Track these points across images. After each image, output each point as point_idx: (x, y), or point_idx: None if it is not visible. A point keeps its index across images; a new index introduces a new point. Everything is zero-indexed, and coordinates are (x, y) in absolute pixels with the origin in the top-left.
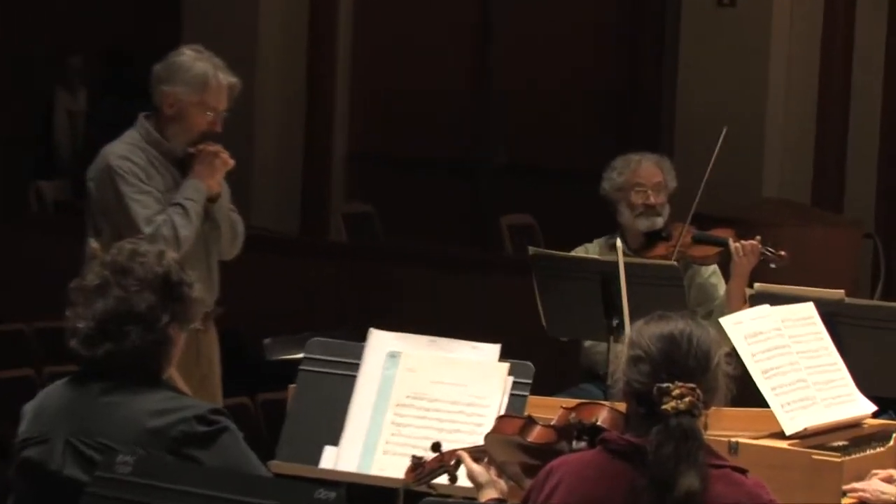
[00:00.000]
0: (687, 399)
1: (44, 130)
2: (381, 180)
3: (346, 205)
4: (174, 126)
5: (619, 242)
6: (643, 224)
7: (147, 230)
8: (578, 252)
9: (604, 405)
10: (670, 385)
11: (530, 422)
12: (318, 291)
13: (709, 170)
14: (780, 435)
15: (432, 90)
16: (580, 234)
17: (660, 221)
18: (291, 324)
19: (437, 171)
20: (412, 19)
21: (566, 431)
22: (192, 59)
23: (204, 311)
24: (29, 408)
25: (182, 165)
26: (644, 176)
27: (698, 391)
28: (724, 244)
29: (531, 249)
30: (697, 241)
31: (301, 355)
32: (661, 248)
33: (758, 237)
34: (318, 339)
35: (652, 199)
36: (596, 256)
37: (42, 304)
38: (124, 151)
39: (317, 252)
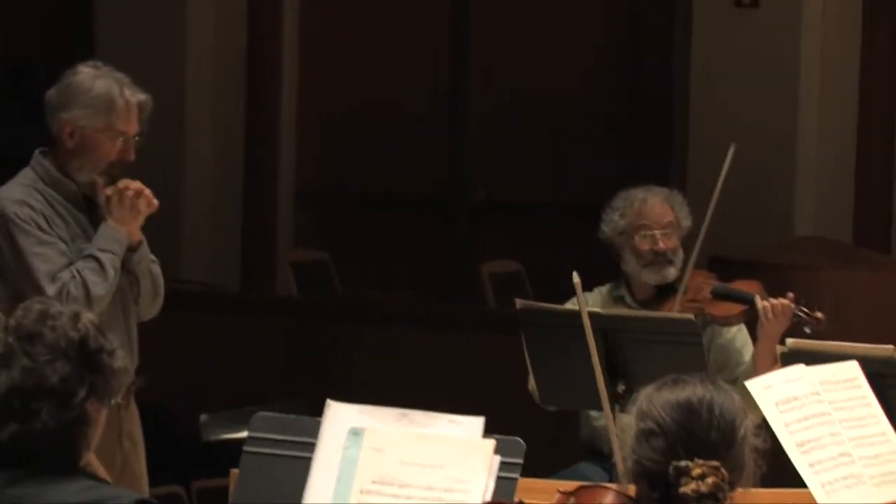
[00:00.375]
0: (709, 480)
1: None
2: (335, 222)
3: (295, 252)
4: (78, 159)
5: (575, 276)
6: (652, 277)
7: (51, 289)
8: (574, 304)
9: (608, 488)
10: (689, 464)
11: None
12: (264, 356)
13: (716, 195)
14: None
15: (396, 114)
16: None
17: (672, 272)
18: (232, 396)
19: (403, 210)
20: (371, 31)
21: None
22: (91, 77)
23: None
24: None
25: (91, 208)
26: (651, 216)
27: (722, 470)
28: (750, 301)
29: (518, 302)
30: (718, 295)
31: (245, 434)
32: (671, 303)
33: (790, 294)
34: (265, 414)
35: (661, 245)
36: (597, 310)
37: None
38: (19, 195)
39: (261, 309)
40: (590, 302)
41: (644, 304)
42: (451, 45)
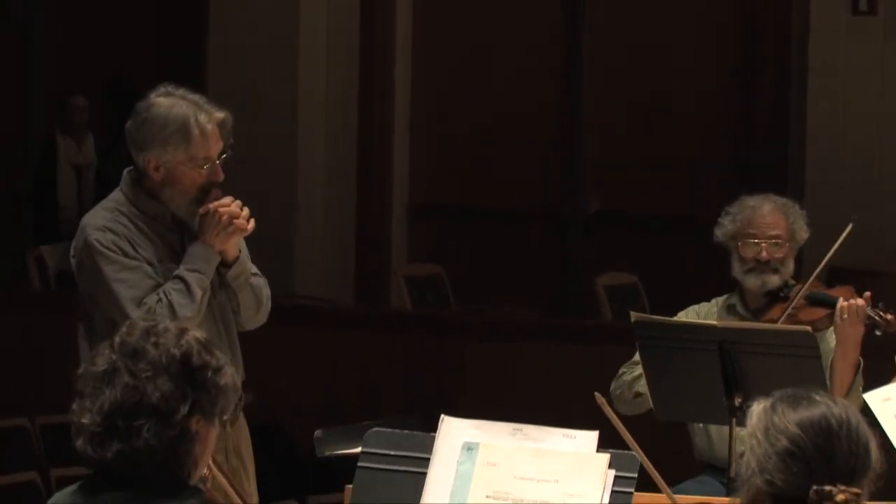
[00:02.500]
0: None
1: (46, 186)
2: (449, 236)
3: (409, 266)
4: (168, 190)
5: (598, 397)
6: (752, 282)
7: (136, 315)
8: (688, 314)
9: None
10: (833, 489)
11: None
12: (378, 371)
13: (828, 257)
14: None
15: (509, 127)
16: (691, 295)
17: (775, 280)
18: (347, 412)
19: (517, 223)
20: (483, 43)
21: None
22: (165, 108)
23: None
24: None
25: (182, 227)
26: (759, 225)
27: (862, 497)
28: (833, 304)
29: (634, 315)
30: (812, 301)
31: (359, 450)
32: (776, 310)
33: (866, 294)
34: (379, 429)
35: (765, 254)
36: (712, 322)
37: (46, 396)
38: (103, 221)
39: (375, 323)
40: (705, 312)
41: (755, 313)
42: (564, 59)
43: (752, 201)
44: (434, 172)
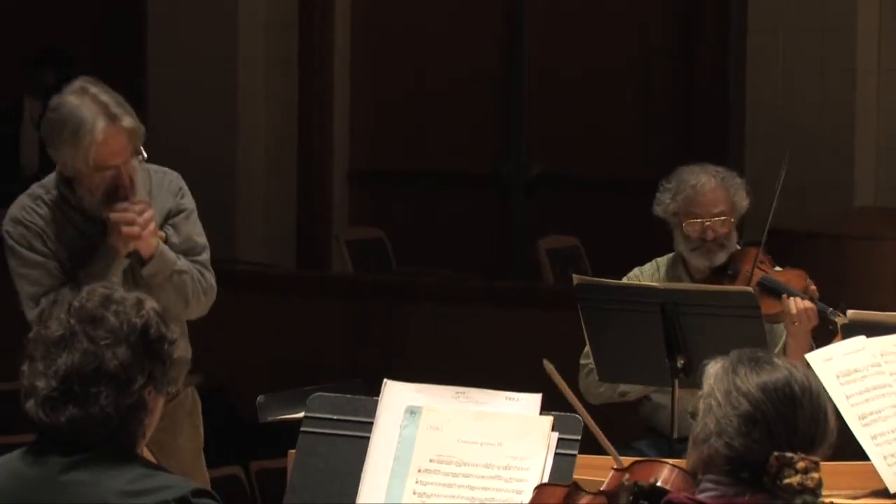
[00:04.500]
0: (814, 475)
1: (7, 144)
2: (390, 200)
3: (351, 230)
4: (79, 188)
5: (546, 364)
6: (699, 261)
7: (30, 314)
8: (630, 278)
9: (663, 463)
10: (794, 456)
11: (576, 490)
12: (319, 336)
13: (774, 203)
14: (884, 493)
15: (449, 92)
16: (634, 258)
17: (722, 256)
18: (289, 377)
19: (458, 187)
20: (423, 8)
21: (620, 497)
22: (69, 108)
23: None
24: None
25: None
26: (702, 203)
27: (820, 466)
28: (788, 294)
29: (576, 278)
30: (764, 289)
31: (302, 415)
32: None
33: (812, 288)
34: (322, 394)
35: (710, 233)
36: (654, 284)
37: None
38: (19, 211)
39: (317, 288)
40: (648, 275)
41: (699, 283)
42: (504, 22)
43: (692, 178)
44: (375, 136)
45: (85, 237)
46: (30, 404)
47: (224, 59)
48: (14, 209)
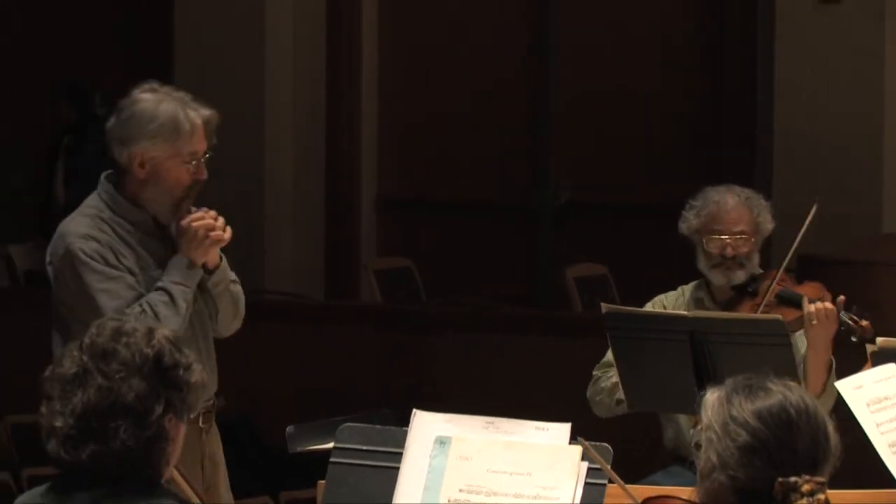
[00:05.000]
0: (820, 497)
1: (48, 183)
2: (418, 229)
3: (379, 260)
4: (151, 189)
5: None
6: (718, 278)
7: None
8: (655, 305)
9: (677, 498)
10: (798, 480)
11: None
12: (349, 366)
13: (795, 245)
14: None
15: (477, 120)
16: (662, 285)
17: (741, 275)
18: (319, 407)
19: (486, 216)
20: (450, 36)
21: None
22: (152, 103)
23: (205, 403)
24: None
25: (164, 234)
26: (724, 220)
27: (826, 486)
28: (800, 305)
29: (604, 306)
30: (781, 300)
31: (331, 445)
32: (745, 307)
33: (840, 298)
34: (351, 424)
35: (730, 250)
36: (682, 312)
37: (17, 395)
38: (85, 228)
39: (346, 317)
40: (672, 302)
41: (722, 306)
42: (532, 49)
43: (715, 195)
44: (402, 166)
45: (150, 254)
46: (51, 445)
47: (252, 88)
48: (76, 226)
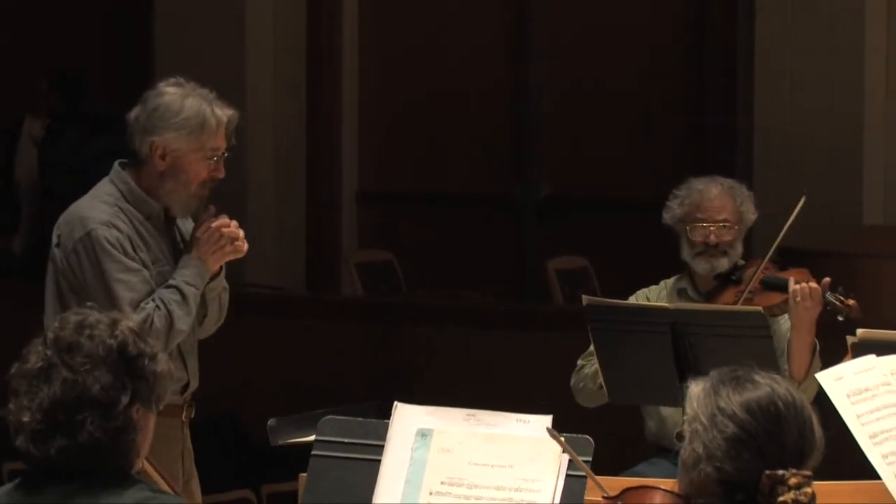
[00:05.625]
0: (807, 490)
1: (5, 165)
2: (399, 222)
3: (360, 253)
4: (170, 181)
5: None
6: (701, 266)
7: (135, 318)
8: (638, 298)
9: (656, 488)
10: (785, 473)
11: None
12: (330, 359)
13: (781, 235)
14: None
15: (458, 113)
16: (642, 278)
17: (724, 263)
18: (300, 400)
19: (467, 209)
20: (432, 29)
21: None
22: (179, 97)
23: (184, 401)
24: None
25: (170, 228)
26: (708, 209)
27: (812, 479)
28: (786, 287)
29: (585, 298)
30: (766, 285)
31: (313, 438)
32: (729, 294)
33: (825, 280)
34: (332, 417)
35: (713, 238)
36: (664, 304)
37: None
38: (107, 216)
39: (327, 311)
40: (655, 295)
41: (706, 296)
42: (514, 43)
43: (699, 184)
44: (384, 159)
45: (159, 249)
46: (20, 440)
47: (232, 83)
48: (97, 212)
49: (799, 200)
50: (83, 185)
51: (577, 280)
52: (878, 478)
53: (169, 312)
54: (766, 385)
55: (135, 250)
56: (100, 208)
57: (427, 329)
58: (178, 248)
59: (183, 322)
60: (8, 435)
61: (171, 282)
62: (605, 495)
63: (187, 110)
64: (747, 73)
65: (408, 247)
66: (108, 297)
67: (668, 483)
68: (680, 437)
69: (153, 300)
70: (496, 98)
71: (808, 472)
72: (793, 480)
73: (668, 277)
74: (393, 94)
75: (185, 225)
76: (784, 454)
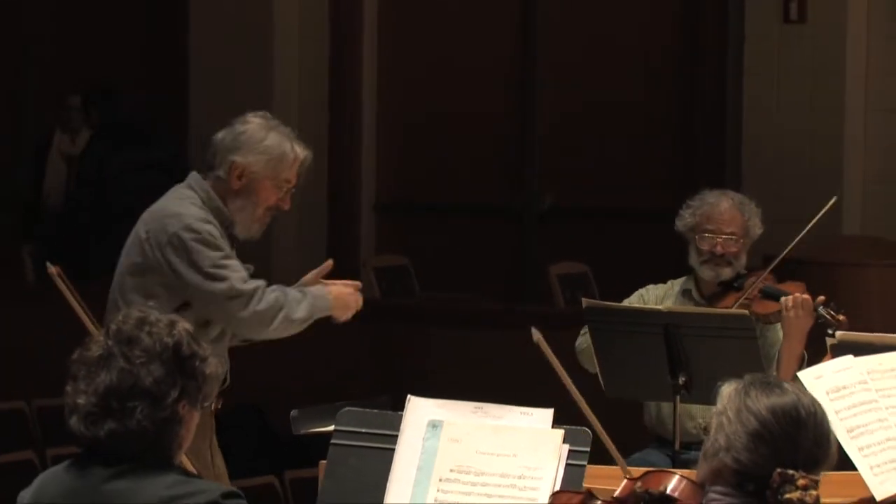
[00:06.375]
0: (813, 493)
1: (38, 177)
2: (414, 230)
3: (377, 258)
4: (241, 200)
5: (534, 332)
6: (707, 273)
7: (249, 286)
8: (647, 293)
9: (673, 473)
10: (795, 473)
11: (590, 497)
12: (349, 355)
13: (807, 228)
14: (870, 501)
15: (467, 128)
16: (639, 282)
17: (728, 272)
18: (321, 393)
19: (476, 218)
20: (444, 51)
21: None
22: (264, 128)
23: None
24: (26, 496)
25: (232, 241)
26: (717, 221)
27: (818, 485)
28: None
29: (585, 301)
30: (764, 294)
31: (332, 428)
32: (729, 300)
33: (820, 297)
34: (351, 409)
35: (720, 249)
36: (658, 307)
37: (42, 381)
38: (201, 213)
39: None
40: (662, 293)
41: (708, 299)
42: (520, 60)
43: (711, 197)
44: (400, 172)
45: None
46: (73, 420)
47: (260, 98)
48: (188, 209)
49: (829, 201)
50: (108, 197)
51: (578, 284)
52: (856, 469)
53: (286, 298)
54: (793, 394)
55: (222, 247)
56: (190, 207)
57: (436, 329)
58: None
59: (286, 325)
60: (53, 422)
61: (302, 289)
62: (627, 476)
63: (270, 140)
64: (737, 93)
65: (421, 253)
66: (208, 282)
67: (674, 471)
68: (706, 430)
69: (279, 289)
70: (502, 115)
71: (816, 478)
72: (801, 482)
73: (661, 280)
74: (407, 113)
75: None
76: (797, 457)
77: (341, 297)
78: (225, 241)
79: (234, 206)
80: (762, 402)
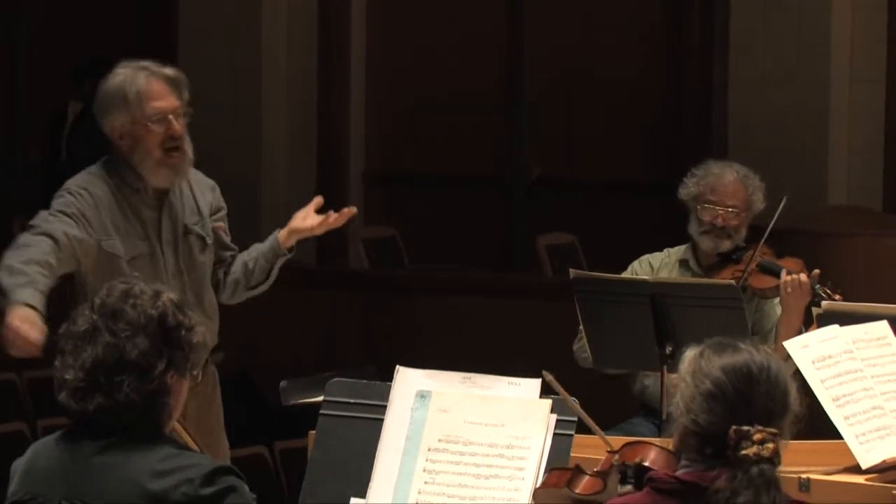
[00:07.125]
0: (770, 445)
1: (49, 156)
2: (402, 201)
3: (366, 229)
4: (135, 155)
5: (546, 374)
6: (706, 244)
7: (31, 226)
8: (642, 263)
9: (651, 444)
10: (750, 429)
11: (578, 472)
12: (338, 326)
13: (768, 231)
14: (856, 469)
15: (456, 100)
16: (626, 253)
17: (727, 244)
18: (310, 363)
19: (464, 189)
20: (432, 24)
21: (610, 476)
22: (109, 78)
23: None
24: (18, 466)
25: (162, 205)
26: (720, 193)
27: (778, 437)
28: (779, 276)
29: (572, 272)
30: (761, 269)
31: (321, 398)
32: (727, 272)
33: (815, 272)
34: (340, 379)
35: (720, 220)
36: (645, 277)
37: None
38: (85, 182)
39: (336, 282)
40: (658, 262)
41: (706, 269)
42: (508, 33)
43: (716, 168)
44: (388, 142)
45: (140, 222)
46: (62, 395)
47: (248, 70)
48: (74, 179)
49: (780, 201)
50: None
51: (565, 255)
52: (842, 438)
53: (17, 268)
54: (745, 352)
55: (87, 219)
56: (79, 176)
57: (425, 299)
58: (166, 223)
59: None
60: (43, 393)
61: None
62: (609, 449)
63: (111, 89)
64: (723, 65)
65: (410, 224)
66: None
67: (651, 439)
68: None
69: (47, 230)
70: (490, 88)
71: (773, 430)
72: (757, 436)
73: (648, 252)
74: (396, 84)
75: (204, 196)
76: (752, 413)
77: (12, 330)
78: (118, 211)
79: (136, 161)
80: (714, 363)
